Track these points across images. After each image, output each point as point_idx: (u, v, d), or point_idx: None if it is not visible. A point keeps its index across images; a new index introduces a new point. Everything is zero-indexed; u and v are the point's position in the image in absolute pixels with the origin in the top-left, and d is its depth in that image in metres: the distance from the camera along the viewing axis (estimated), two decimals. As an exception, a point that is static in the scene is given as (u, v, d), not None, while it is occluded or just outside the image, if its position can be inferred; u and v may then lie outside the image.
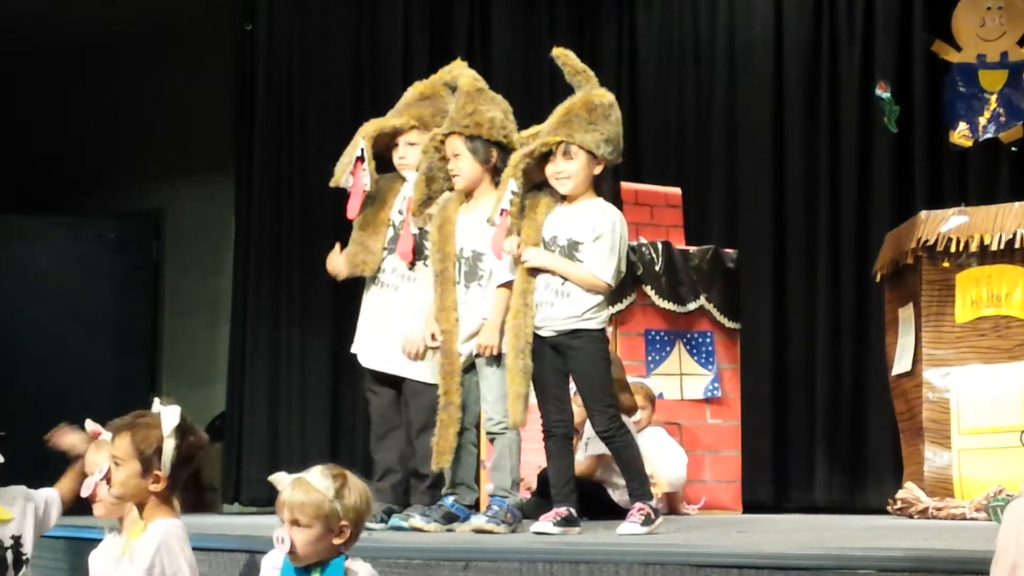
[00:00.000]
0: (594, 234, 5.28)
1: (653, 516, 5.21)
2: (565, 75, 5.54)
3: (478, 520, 5.30)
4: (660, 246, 7.89)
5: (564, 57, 5.54)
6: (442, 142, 5.68)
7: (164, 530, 3.80)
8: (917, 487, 7.37)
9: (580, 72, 5.50)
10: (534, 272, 5.29)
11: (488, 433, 5.54)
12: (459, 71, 5.86)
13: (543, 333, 5.30)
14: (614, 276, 5.30)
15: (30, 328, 10.39)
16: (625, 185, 8.12)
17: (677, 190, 8.51)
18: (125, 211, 11.14)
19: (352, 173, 5.88)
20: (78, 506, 4.76)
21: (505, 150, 5.60)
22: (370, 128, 5.96)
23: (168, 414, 3.86)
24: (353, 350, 6.02)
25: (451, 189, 5.72)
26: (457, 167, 5.63)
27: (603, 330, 5.37)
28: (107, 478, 3.89)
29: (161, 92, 10.87)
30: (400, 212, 5.89)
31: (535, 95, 9.25)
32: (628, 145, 9.46)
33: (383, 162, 6.02)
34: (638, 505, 5.23)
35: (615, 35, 10.00)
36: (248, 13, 10.00)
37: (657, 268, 7.84)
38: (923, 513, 7.15)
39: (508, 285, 5.42)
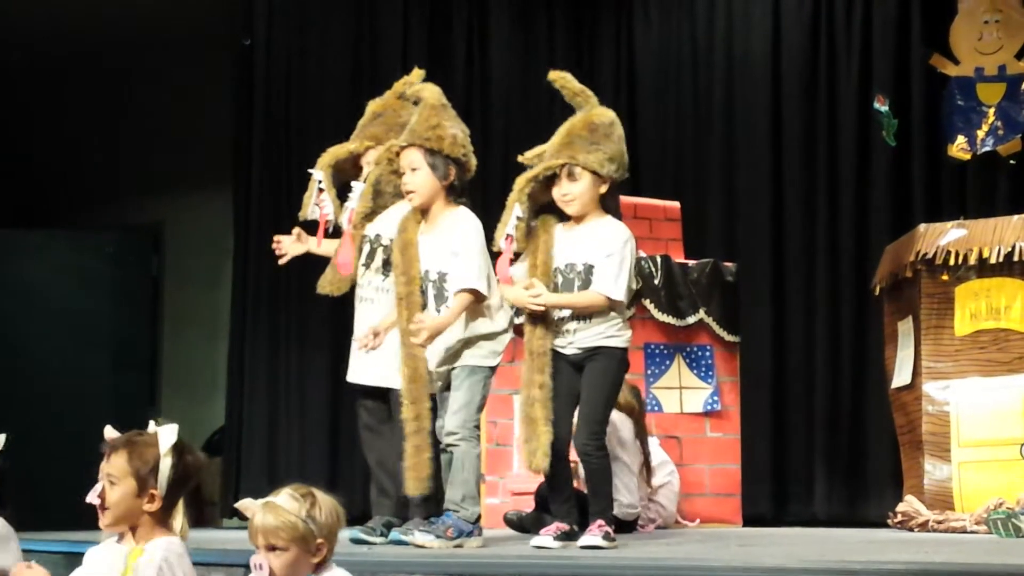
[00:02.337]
0: (605, 252, 5.29)
1: (613, 536, 5.22)
2: (565, 98, 5.56)
3: (416, 535, 5.26)
4: (659, 260, 7.90)
5: (562, 80, 5.56)
6: (397, 155, 5.61)
7: (164, 548, 3.79)
8: (917, 500, 7.37)
9: (579, 93, 5.52)
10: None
11: (444, 445, 5.44)
12: (422, 85, 5.80)
13: (566, 351, 5.35)
14: (625, 292, 5.31)
15: (29, 341, 10.38)
16: (624, 199, 8.06)
17: (676, 204, 8.52)
18: (124, 225, 11.14)
19: (317, 204, 5.89)
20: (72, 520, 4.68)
21: (462, 169, 5.56)
22: (326, 158, 5.95)
23: (165, 433, 3.84)
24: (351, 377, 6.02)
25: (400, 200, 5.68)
26: (413, 182, 5.50)
27: (624, 350, 5.39)
28: (101, 498, 3.85)
29: (160, 106, 10.88)
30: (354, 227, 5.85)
31: (534, 113, 9.26)
32: (628, 160, 9.59)
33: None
34: (599, 521, 5.22)
35: (613, 49, 10.01)
36: (247, 28, 10.01)
37: (656, 282, 7.84)
38: (923, 526, 7.15)
39: (472, 292, 5.38)
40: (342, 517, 3.66)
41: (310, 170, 5.95)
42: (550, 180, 5.38)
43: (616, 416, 6.67)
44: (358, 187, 5.80)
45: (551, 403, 5.26)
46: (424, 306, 5.48)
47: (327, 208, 5.88)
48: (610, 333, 5.31)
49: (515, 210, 5.35)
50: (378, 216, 5.76)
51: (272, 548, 3.54)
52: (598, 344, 5.31)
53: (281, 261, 6.12)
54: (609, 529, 5.21)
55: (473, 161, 5.61)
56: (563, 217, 5.43)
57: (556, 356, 5.33)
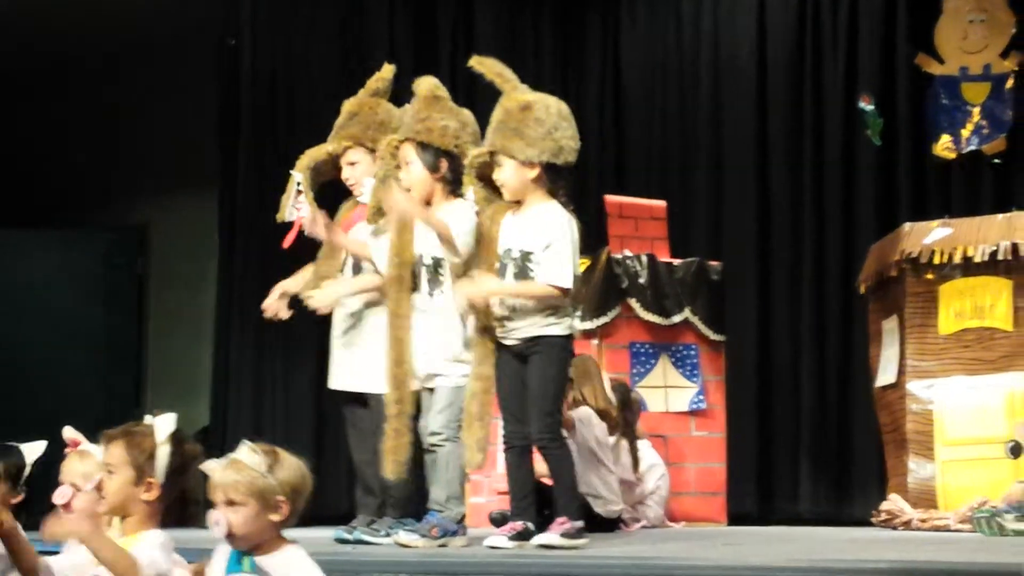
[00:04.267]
0: (544, 242, 5.23)
1: (574, 533, 5.13)
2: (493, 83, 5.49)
3: (402, 534, 5.25)
4: (645, 259, 7.90)
5: (480, 65, 5.49)
6: (398, 148, 5.61)
7: (155, 541, 3.77)
8: (901, 498, 7.38)
9: (497, 77, 5.45)
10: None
11: (428, 445, 5.44)
12: (419, 79, 5.80)
13: (507, 342, 5.29)
14: (571, 280, 5.26)
15: (15, 341, 10.35)
16: (610, 198, 8.15)
17: (662, 203, 8.53)
18: (111, 226, 11.11)
19: (295, 206, 5.89)
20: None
21: (456, 160, 5.55)
22: (305, 160, 5.96)
23: (163, 422, 3.82)
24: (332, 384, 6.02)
25: None
26: (407, 177, 5.55)
27: (567, 337, 5.32)
28: (99, 488, 3.83)
29: (146, 107, 10.85)
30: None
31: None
32: (614, 159, 9.62)
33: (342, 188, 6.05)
34: (561, 519, 5.16)
35: (600, 50, 10.00)
36: (232, 29, 9.99)
37: (642, 281, 7.85)
38: (907, 524, 7.16)
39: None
40: (307, 479, 3.57)
41: (290, 172, 5.96)
42: None
43: (586, 414, 6.67)
44: (368, 183, 5.81)
45: (489, 396, 5.24)
46: (416, 289, 5.51)
47: (304, 210, 5.89)
48: (549, 322, 5.23)
49: (468, 194, 5.34)
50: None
51: (231, 503, 3.50)
52: (538, 334, 5.23)
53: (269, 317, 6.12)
54: (572, 526, 5.13)
55: (470, 151, 5.58)
56: (517, 204, 5.38)
57: (500, 348, 5.29)
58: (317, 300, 5.78)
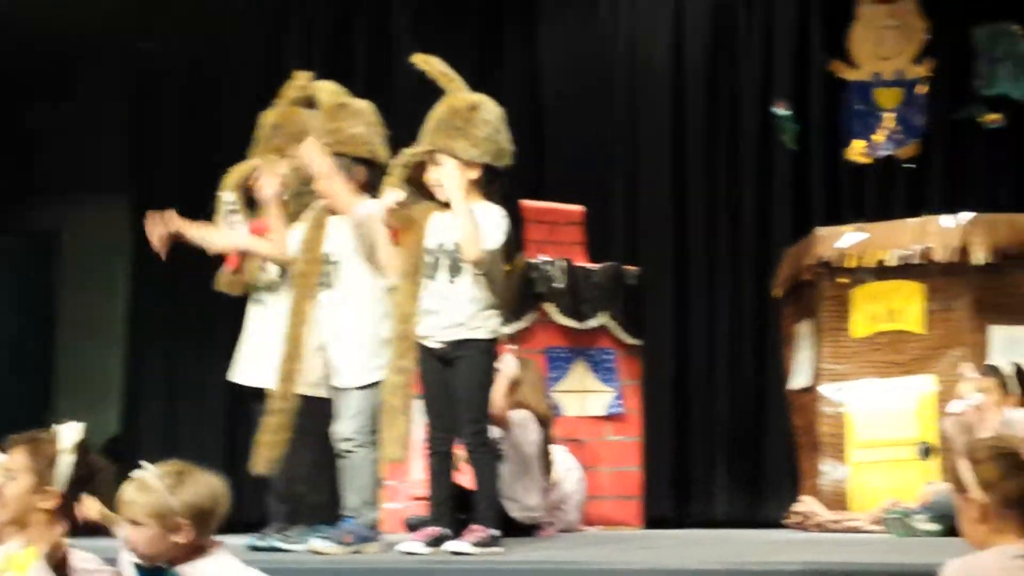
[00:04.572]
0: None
1: (488, 541, 5.07)
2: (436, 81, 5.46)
3: (316, 541, 5.21)
4: (562, 264, 7.90)
5: (424, 63, 5.46)
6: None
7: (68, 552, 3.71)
8: (814, 500, 7.44)
9: (441, 76, 5.43)
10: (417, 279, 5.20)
11: (341, 451, 5.39)
12: (316, 86, 5.75)
13: (430, 344, 5.23)
14: (491, 248, 5.17)
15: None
16: (527, 203, 8.14)
17: (579, 208, 8.53)
18: (22, 230, 10.97)
19: (229, 226, 5.84)
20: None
21: (372, 165, 5.52)
22: (233, 178, 5.91)
23: (68, 430, 3.77)
24: (231, 376, 5.96)
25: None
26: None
27: (492, 341, 5.28)
28: None
29: (60, 112, 10.71)
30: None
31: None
32: (532, 164, 9.61)
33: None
34: (475, 527, 5.12)
35: (518, 56, 9.99)
36: (145, 32, 9.89)
37: (559, 285, 7.84)
38: (820, 526, 7.22)
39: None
40: (219, 499, 3.53)
41: (219, 192, 5.89)
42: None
43: (525, 418, 6.65)
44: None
45: (410, 390, 5.19)
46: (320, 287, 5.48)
47: (242, 229, 5.84)
48: (475, 324, 5.19)
49: (388, 196, 5.28)
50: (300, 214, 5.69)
51: (134, 522, 3.48)
52: (463, 337, 5.19)
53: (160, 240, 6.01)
54: (486, 535, 5.08)
55: (382, 152, 5.53)
56: (446, 206, 5.33)
57: (423, 352, 5.22)
58: (209, 237, 5.63)
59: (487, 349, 5.23)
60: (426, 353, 5.21)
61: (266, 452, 5.34)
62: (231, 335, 6.06)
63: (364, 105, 5.67)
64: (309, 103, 5.94)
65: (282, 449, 5.35)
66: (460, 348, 5.18)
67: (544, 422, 6.81)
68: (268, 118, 6.00)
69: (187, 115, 9.85)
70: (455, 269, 5.21)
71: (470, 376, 5.17)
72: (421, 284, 5.20)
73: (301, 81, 6.01)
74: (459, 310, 5.17)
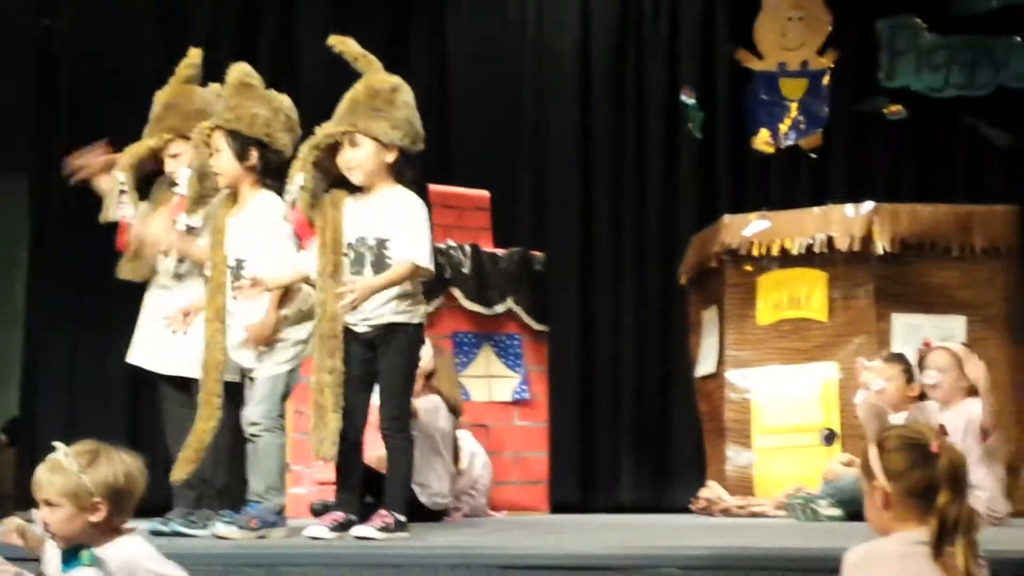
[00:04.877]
0: (401, 225, 5.17)
1: (393, 527, 5.05)
2: (350, 63, 5.41)
3: (219, 526, 5.17)
4: (468, 249, 7.89)
5: (341, 44, 5.40)
6: (210, 135, 5.47)
7: None
8: (720, 486, 7.50)
9: (359, 58, 5.38)
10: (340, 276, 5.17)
11: (248, 435, 5.31)
12: (232, 65, 5.70)
13: (358, 329, 5.18)
14: (432, 259, 5.20)
15: None
16: (433, 188, 8.10)
17: (486, 193, 8.52)
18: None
19: (119, 206, 5.76)
20: None
21: (268, 150, 5.45)
22: (126, 158, 5.82)
23: None
24: (131, 358, 5.88)
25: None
26: (216, 164, 5.42)
27: (419, 326, 5.23)
28: None
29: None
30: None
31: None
32: (437, 149, 9.57)
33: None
34: (382, 512, 5.09)
35: (425, 41, 9.95)
36: (47, 8, 9.72)
37: (465, 271, 7.83)
38: (725, 511, 7.28)
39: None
40: (133, 478, 3.55)
41: (113, 172, 5.81)
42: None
43: (436, 404, 6.63)
44: (184, 173, 5.67)
45: (341, 389, 5.15)
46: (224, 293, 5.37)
47: (128, 210, 5.76)
48: (401, 308, 5.14)
49: (297, 179, 5.22)
50: (210, 199, 5.62)
51: (47, 503, 3.48)
52: (390, 321, 5.14)
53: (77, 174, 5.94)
54: (391, 520, 5.04)
55: (282, 139, 5.47)
56: (355, 191, 5.29)
57: (348, 336, 5.19)
58: (153, 233, 5.55)
59: (413, 335, 5.19)
60: (353, 339, 5.17)
61: (189, 465, 5.28)
62: (132, 317, 5.98)
63: (280, 96, 5.59)
64: (204, 82, 5.88)
65: (201, 454, 5.29)
66: (386, 333, 5.14)
67: (454, 410, 6.80)
68: (162, 97, 5.93)
69: (88, 96, 9.68)
70: (379, 264, 5.16)
71: (393, 361, 5.15)
72: (345, 281, 5.15)
73: (194, 59, 5.94)
74: (386, 295, 5.14)
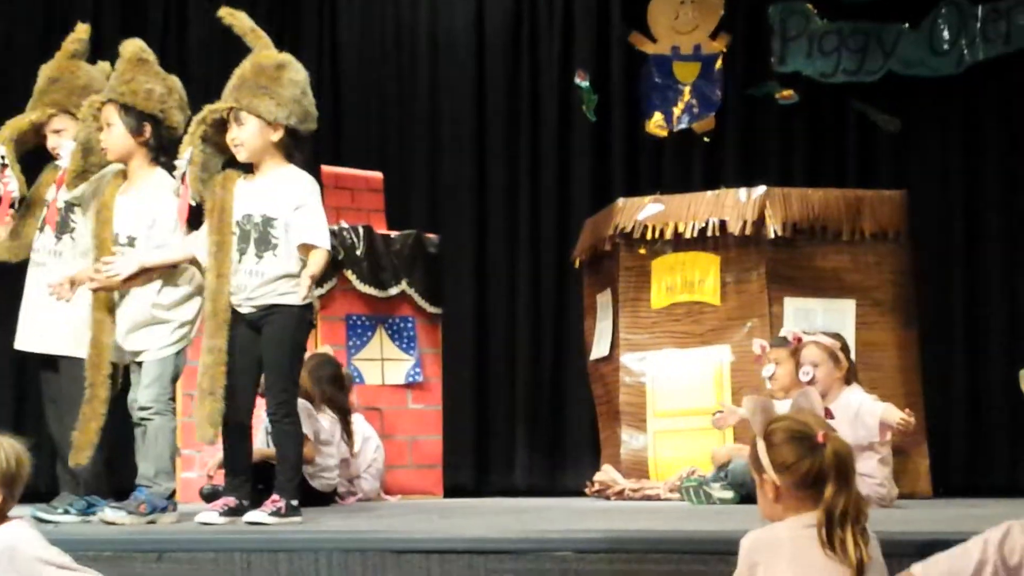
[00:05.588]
0: (294, 204, 5.09)
1: (285, 511, 4.99)
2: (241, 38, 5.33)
3: (107, 511, 5.09)
4: (361, 230, 7.84)
5: (231, 17, 5.32)
6: (100, 109, 5.38)
7: None
8: (614, 469, 7.53)
9: (248, 33, 5.29)
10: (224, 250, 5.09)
11: (137, 419, 5.24)
12: (125, 41, 5.60)
13: (243, 311, 5.10)
14: (328, 239, 5.12)
15: None
16: (326, 168, 8.04)
17: (379, 174, 8.47)
18: None
19: (1, 180, 5.65)
20: None
21: (161, 126, 5.35)
22: (6, 132, 5.70)
23: None
24: (19, 344, 5.78)
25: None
26: (106, 139, 5.33)
27: (305, 307, 5.13)
28: None
29: None
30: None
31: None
32: (329, 129, 9.47)
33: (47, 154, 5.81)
34: (274, 497, 5.03)
35: (316, 19, 9.84)
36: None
37: (358, 252, 7.78)
38: (620, 494, 7.31)
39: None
40: (18, 463, 3.57)
41: None
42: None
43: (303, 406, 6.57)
44: (68, 146, 5.56)
45: (222, 370, 5.06)
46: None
47: (11, 184, 5.65)
48: (285, 290, 5.07)
49: (186, 154, 5.14)
50: (92, 175, 5.52)
51: None
52: (274, 302, 5.07)
53: None
54: (283, 505, 4.99)
55: (176, 117, 5.38)
56: (249, 171, 5.22)
57: (236, 318, 5.10)
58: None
59: (298, 316, 5.12)
60: (238, 321, 5.10)
61: (79, 444, 5.19)
62: (15, 300, 5.85)
63: (171, 76, 5.50)
64: (92, 60, 5.78)
65: (95, 438, 5.19)
66: (271, 314, 5.07)
67: (310, 396, 6.71)
68: (46, 71, 5.82)
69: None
70: (263, 243, 5.09)
71: (278, 343, 5.08)
72: (231, 261, 5.08)
73: (81, 34, 5.84)
74: (270, 284, 5.08)
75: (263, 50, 5.20)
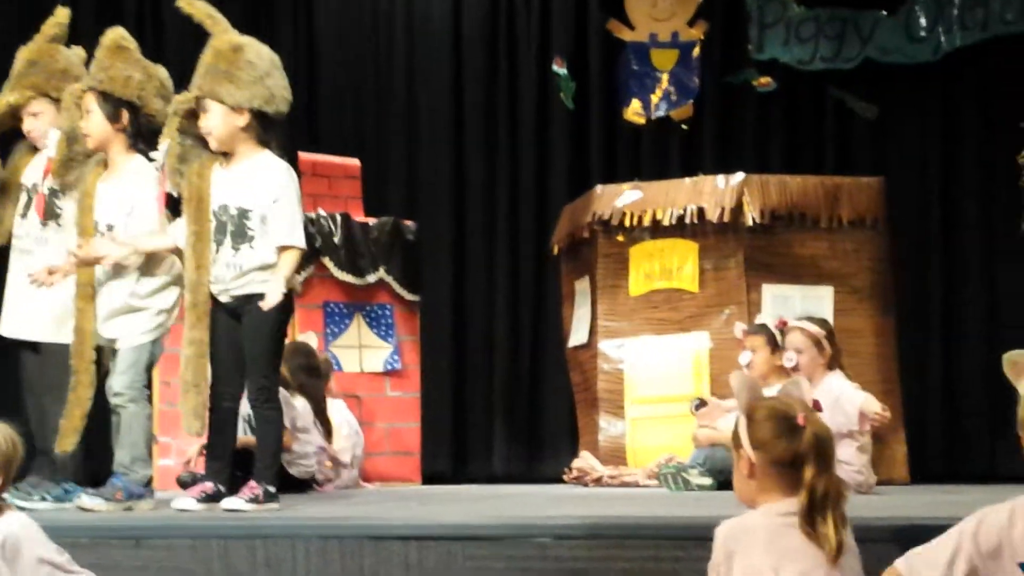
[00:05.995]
0: (271, 197, 5.08)
1: (262, 498, 4.98)
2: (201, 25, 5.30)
3: (83, 498, 5.07)
4: (339, 218, 7.82)
5: (188, 6, 5.28)
6: (82, 97, 5.35)
7: None
8: (592, 456, 7.53)
9: (206, 19, 5.24)
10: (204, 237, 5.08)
11: (113, 406, 5.22)
12: (111, 32, 5.57)
13: (222, 299, 5.09)
14: (303, 237, 5.13)
15: None
16: (303, 155, 8.01)
17: (356, 162, 8.45)
18: None
19: None
20: None
21: (139, 113, 5.31)
22: None
23: None
24: (4, 331, 5.75)
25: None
26: (86, 126, 5.31)
27: (286, 295, 5.05)
28: None
29: None
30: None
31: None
32: (306, 116, 9.44)
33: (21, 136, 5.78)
34: (251, 483, 5.02)
35: (291, 8, 9.79)
36: None
37: (336, 240, 7.76)
38: (598, 481, 7.31)
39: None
40: (17, 446, 3.61)
41: None
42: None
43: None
44: (53, 135, 5.53)
45: (205, 362, 5.05)
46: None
47: None
48: (263, 278, 5.03)
49: (162, 146, 5.12)
50: (77, 163, 5.49)
51: None
52: (254, 291, 5.04)
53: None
54: (260, 492, 4.97)
55: (155, 104, 5.35)
56: (220, 157, 5.18)
57: (216, 307, 5.09)
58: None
59: (280, 303, 5.10)
60: (218, 309, 5.08)
61: (63, 430, 5.18)
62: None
63: (154, 65, 5.48)
64: (69, 43, 5.76)
65: (80, 424, 5.18)
66: (251, 302, 5.05)
67: (287, 385, 6.70)
68: (25, 54, 5.79)
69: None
70: (239, 236, 5.07)
71: (258, 331, 5.06)
72: (210, 251, 5.06)
73: (61, 18, 5.81)
74: (247, 275, 5.06)
75: (221, 35, 5.16)
